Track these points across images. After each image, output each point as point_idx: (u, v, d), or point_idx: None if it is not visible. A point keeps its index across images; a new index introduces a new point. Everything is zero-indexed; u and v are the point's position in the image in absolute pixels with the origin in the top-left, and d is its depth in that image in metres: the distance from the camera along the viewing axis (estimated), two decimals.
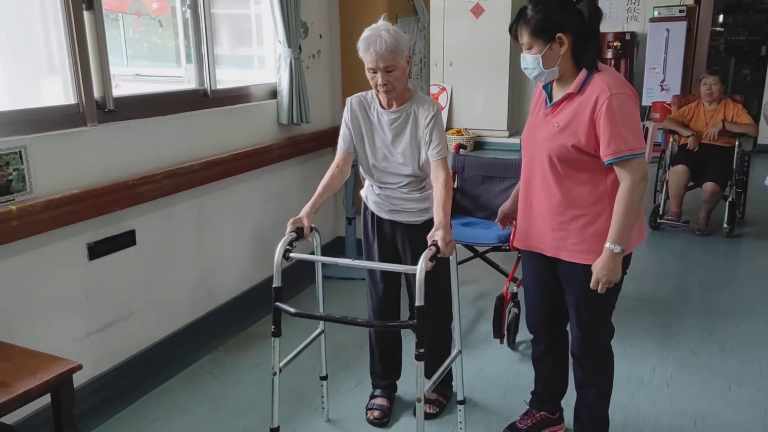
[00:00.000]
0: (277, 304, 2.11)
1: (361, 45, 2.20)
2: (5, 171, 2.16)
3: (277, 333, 2.17)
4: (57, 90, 2.46)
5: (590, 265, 2.00)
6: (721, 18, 10.82)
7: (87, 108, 2.47)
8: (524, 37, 1.96)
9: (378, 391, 2.65)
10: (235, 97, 3.35)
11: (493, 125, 8.58)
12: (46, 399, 1.92)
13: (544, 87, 2.07)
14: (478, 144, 8.56)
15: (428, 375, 2.16)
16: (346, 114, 2.38)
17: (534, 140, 2.08)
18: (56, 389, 1.86)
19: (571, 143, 1.95)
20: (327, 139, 3.89)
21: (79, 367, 1.90)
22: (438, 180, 2.24)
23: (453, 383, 2.57)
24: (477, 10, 8.47)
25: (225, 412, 2.64)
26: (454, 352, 2.34)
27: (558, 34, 1.91)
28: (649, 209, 5.13)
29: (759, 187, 5.30)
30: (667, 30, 7.74)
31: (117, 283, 2.65)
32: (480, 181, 3.52)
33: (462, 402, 2.40)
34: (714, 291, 3.93)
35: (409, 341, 2.44)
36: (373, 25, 2.21)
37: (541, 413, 2.43)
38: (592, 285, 1.99)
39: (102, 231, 2.56)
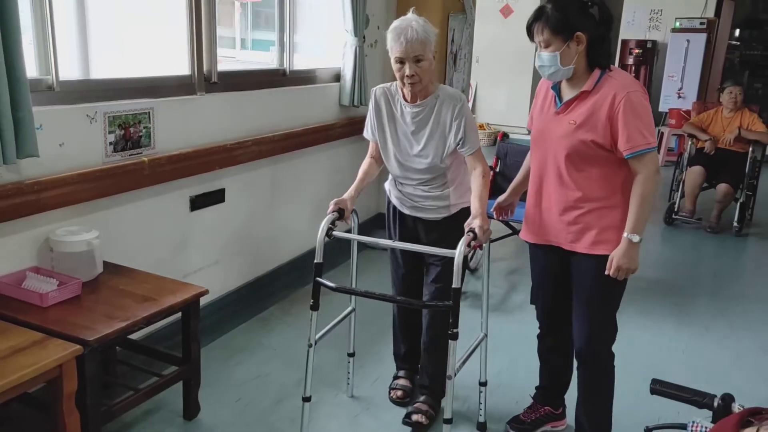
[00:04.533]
0: (317, 279, 2.18)
1: (390, 34, 2.18)
2: (138, 128, 2.54)
3: (315, 307, 2.23)
4: (174, 62, 2.85)
5: (603, 257, 2.07)
6: (738, 32, 11.15)
7: (198, 79, 2.85)
8: (543, 35, 1.99)
9: (401, 372, 2.72)
10: (307, 78, 3.73)
11: (514, 122, 8.94)
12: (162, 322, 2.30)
13: (553, 87, 2.13)
14: None
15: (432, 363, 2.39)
16: (371, 104, 2.39)
17: (548, 139, 2.13)
18: (188, 308, 2.25)
19: (591, 138, 2.02)
20: None
21: (206, 292, 2.30)
22: (475, 171, 2.29)
23: (443, 400, 2.36)
24: (506, 11, 8.85)
25: (297, 349, 3.01)
26: (480, 335, 2.40)
27: (577, 33, 1.98)
28: (664, 206, 5.52)
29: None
30: (688, 41, 8.08)
31: (208, 233, 3.04)
32: (520, 167, 3.89)
33: (484, 384, 2.46)
34: (723, 279, 4.33)
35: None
36: (402, 17, 2.22)
37: (546, 408, 2.50)
38: (612, 273, 2.04)
39: (201, 187, 2.94)
